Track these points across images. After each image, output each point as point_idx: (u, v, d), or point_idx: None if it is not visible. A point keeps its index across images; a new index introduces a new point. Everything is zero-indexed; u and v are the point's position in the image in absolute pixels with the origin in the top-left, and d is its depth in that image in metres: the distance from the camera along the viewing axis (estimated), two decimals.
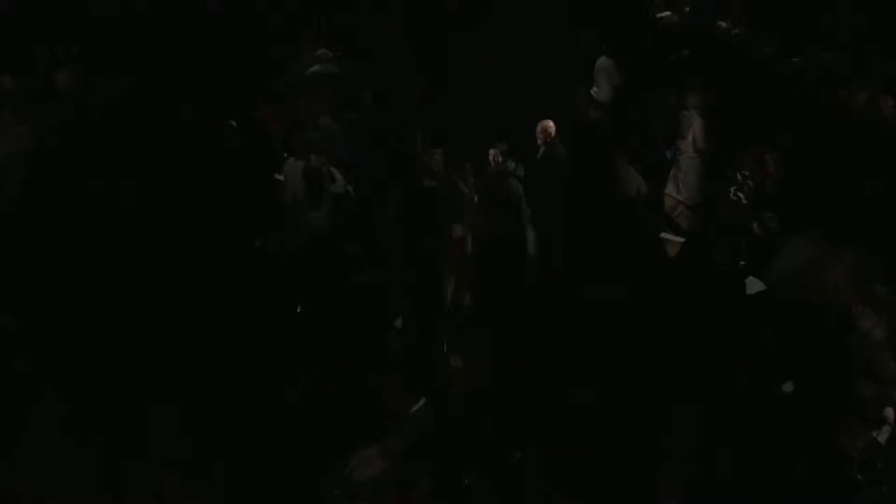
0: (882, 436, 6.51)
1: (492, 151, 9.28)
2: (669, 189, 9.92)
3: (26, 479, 6.52)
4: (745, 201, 8.70)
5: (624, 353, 7.12)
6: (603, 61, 10.83)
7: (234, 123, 9.63)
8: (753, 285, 7.60)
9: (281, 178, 9.08)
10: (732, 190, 8.75)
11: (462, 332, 7.94)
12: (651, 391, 6.86)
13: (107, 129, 9.23)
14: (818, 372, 6.82)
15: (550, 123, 9.27)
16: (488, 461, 6.51)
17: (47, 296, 7.81)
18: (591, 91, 10.78)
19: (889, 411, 6.59)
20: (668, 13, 11.36)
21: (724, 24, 10.93)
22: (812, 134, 8.96)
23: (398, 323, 8.18)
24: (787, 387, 6.83)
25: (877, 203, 8.10)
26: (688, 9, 11.35)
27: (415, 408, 6.49)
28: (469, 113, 9.82)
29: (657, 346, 7.19)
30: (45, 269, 8.00)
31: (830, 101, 9.28)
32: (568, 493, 6.39)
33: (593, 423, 6.69)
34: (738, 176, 8.85)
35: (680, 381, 6.92)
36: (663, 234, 9.63)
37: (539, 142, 9.29)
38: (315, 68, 10.47)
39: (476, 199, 9.06)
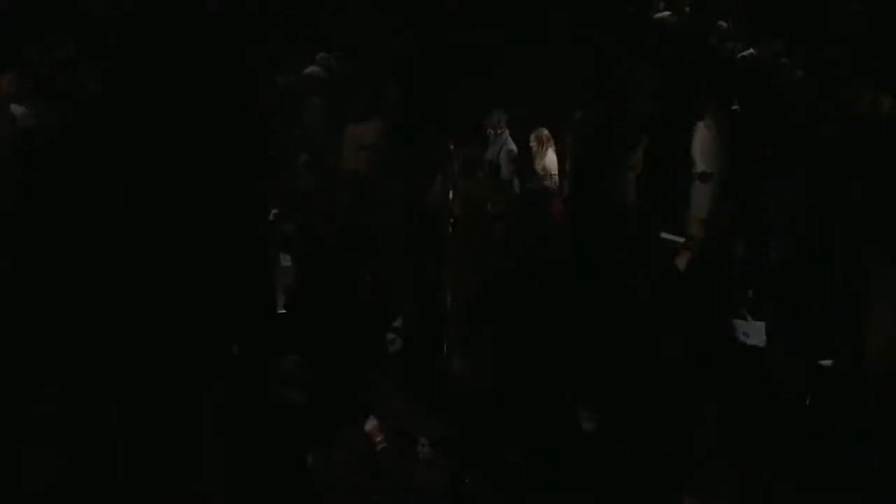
0: None
1: None
2: None
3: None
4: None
5: (628, 354, 7.11)
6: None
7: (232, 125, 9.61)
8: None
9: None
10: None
11: (464, 332, 7.91)
12: (656, 394, 6.84)
13: (103, 129, 9.20)
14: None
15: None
16: (489, 462, 6.48)
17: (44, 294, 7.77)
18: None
19: None
20: (667, 13, 11.36)
21: (724, 24, 10.93)
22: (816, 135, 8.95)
23: (398, 323, 8.16)
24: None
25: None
26: (688, 9, 11.34)
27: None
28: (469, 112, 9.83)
29: (660, 346, 7.18)
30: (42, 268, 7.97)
31: (835, 101, 9.28)
32: (569, 494, 6.36)
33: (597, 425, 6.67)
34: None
35: (684, 384, 6.91)
36: (664, 235, 9.62)
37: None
38: (309, 70, 10.46)
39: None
